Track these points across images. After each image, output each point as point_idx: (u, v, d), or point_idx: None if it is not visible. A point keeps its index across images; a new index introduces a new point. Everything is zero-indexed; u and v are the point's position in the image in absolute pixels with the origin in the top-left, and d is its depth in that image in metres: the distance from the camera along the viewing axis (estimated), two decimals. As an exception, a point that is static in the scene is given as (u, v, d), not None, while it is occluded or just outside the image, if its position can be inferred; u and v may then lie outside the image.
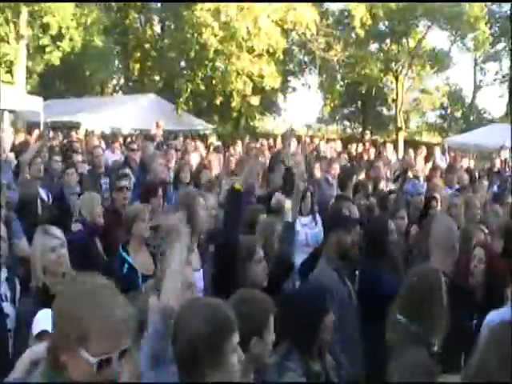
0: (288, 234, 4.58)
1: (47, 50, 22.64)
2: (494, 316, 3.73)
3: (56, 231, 3.96)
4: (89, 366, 1.72)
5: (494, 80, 31.24)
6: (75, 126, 17.74)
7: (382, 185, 8.93)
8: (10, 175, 6.36)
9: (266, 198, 6.58)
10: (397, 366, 2.74)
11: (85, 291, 1.78)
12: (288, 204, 4.83)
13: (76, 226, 5.58)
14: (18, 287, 3.84)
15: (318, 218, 6.64)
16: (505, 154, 11.87)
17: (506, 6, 29.15)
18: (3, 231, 4.16)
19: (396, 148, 19.29)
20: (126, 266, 4.69)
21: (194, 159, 10.39)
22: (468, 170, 11.39)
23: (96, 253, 5.33)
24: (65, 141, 13.87)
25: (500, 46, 30.07)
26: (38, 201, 6.32)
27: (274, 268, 4.30)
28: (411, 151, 13.79)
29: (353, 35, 24.08)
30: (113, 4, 30.82)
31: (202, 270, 4.50)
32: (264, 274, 4.05)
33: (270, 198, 6.49)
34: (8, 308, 3.70)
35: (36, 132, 13.61)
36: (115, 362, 1.76)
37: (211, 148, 14.80)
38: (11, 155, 10.05)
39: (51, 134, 15.00)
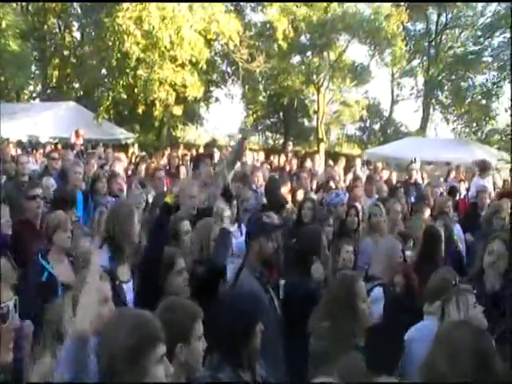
0: (224, 239, 4.56)
1: (-41, 53, 21.69)
2: (413, 332, 3.86)
3: None
4: None
5: (410, 95, 32.45)
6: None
7: (301, 195, 9.01)
8: None
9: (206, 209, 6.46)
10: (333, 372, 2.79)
11: None
12: (227, 212, 4.82)
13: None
14: None
15: (243, 226, 6.65)
16: (416, 167, 12.32)
17: (419, 25, 30.55)
18: None
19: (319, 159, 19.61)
20: (46, 273, 4.65)
21: (119, 169, 10.16)
22: (387, 181, 11.77)
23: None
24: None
25: (415, 63, 31.34)
26: None
27: (206, 272, 4.30)
28: (331, 162, 14.09)
29: (275, 47, 24.38)
30: (30, 8, 29.94)
31: (131, 282, 4.49)
32: (185, 285, 4.05)
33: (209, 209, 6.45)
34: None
35: None
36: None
37: (133, 158, 14.61)
38: None
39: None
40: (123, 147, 20.49)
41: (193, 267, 4.49)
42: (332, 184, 10.05)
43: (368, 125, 33.83)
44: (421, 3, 27.40)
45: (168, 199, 4.47)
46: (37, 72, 31.76)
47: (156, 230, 4.36)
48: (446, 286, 3.87)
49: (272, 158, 16.46)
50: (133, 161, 14.22)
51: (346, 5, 24.96)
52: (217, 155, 14.99)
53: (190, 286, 4.12)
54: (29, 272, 4.72)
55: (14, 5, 28.03)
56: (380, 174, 13.40)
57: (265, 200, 8.43)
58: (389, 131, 32.36)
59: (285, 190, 8.67)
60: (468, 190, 11.93)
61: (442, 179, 13.31)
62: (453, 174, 13.92)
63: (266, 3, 22.01)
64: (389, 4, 25.55)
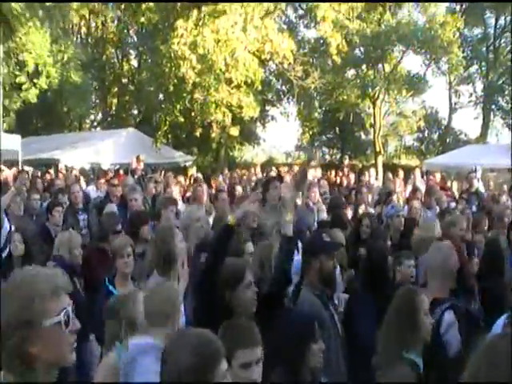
0: (287, 244, 4.50)
1: (24, 87, 22.58)
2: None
3: None
4: None
5: (469, 102, 31.69)
6: (54, 163, 17.63)
7: (363, 209, 8.92)
8: None
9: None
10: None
11: None
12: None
13: (50, 264, 5.50)
14: None
15: (299, 244, 6.60)
16: (477, 176, 12.01)
17: (476, 30, 29.90)
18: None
19: (376, 172, 19.39)
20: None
21: (176, 192, 10.33)
22: (446, 191, 11.53)
23: (75, 291, 5.27)
24: (43, 178, 13.80)
25: (473, 69, 30.64)
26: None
27: (270, 285, 4.25)
28: (390, 175, 13.89)
29: (329, 62, 24.33)
30: (89, 40, 31.01)
31: (182, 305, 4.39)
32: (253, 299, 3.94)
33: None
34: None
35: (13, 171, 13.53)
36: None
37: (192, 180, 14.80)
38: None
39: (30, 172, 14.90)
40: (182, 170, 20.83)
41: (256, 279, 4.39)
42: (394, 198, 9.90)
43: (426, 135, 33.23)
44: (477, 8, 26.94)
45: (230, 220, 4.45)
46: (97, 101, 32.81)
47: (216, 249, 4.30)
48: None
49: (329, 173, 16.39)
50: (192, 183, 14.40)
51: (400, 15, 24.73)
52: (273, 174, 15.09)
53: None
54: (97, 297, 4.89)
55: (75, 38, 29.16)
56: (445, 183, 13.17)
57: (321, 216, 8.34)
58: (448, 140, 31.67)
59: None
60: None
61: (505, 186, 12.91)
62: None
63: (318, 19, 21.94)
64: (443, 11, 25.22)
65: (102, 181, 12.72)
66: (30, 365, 1.89)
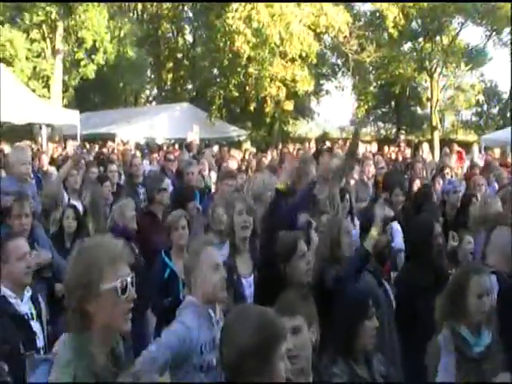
0: (357, 260, 4.37)
1: (82, 63, 23.05)
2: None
3: None
4: None
5: (532, 74, 30.54)
6: (111, 138, 18.01)
7: (417, 185, 8.77)
8: (34, 187, 6.55)
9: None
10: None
11: None
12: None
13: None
14: (42, 303, 3.78)
15: (355, 220, 6.57)
16: None
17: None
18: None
19: (432, 147, 19.02)
20: (168, 271, 4.84)
21: (232, 166, 10.38)
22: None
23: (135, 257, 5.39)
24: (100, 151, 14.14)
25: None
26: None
27: (334, 280, 4.15)
28: (447, 150, 13.60)
29: (385, 36, 23.87)
30: (145, 16, 31.29)
31: (252, 277, 4.44)
32: (307, 269, 3.97)
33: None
34: (36, 326, 3.63)
35: (71, 144, 13.89)
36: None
37: (246, 154, 14.87)
38: (52, 168, 10.29)
39: (87, 146, 15.28)
40: (236, 144, 20.94)
41: (322, 267, 4.30)
42: (448, 171, 9.72)
43: (485, 109, 32.26)
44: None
45: (279, 186, 4.47)
46: (152, 76, 33.16)
47: (268, 217, 4.39)
48: None
49: (385, 148, 16.16)
50: (246, 157, 14.47)
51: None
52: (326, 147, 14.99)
53: (317, 287, 4.06)
54: (153, 269, 4.96)
55: (131, 14, 29.48)
56: (500, 160, 12.78)
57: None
58: (508, 115, 30.67)
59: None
60: None
61: None
62: None
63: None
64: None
65: (156, 155, 12.90)
66: (87, 324, 2.07)
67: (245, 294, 4.30)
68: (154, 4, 30.44)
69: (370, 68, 25.97)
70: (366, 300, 3.37)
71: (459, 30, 24.93)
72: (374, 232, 4.27)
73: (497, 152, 14.12)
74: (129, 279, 2.10)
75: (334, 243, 4.40)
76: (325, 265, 4.30)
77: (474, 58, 25.60)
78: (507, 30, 24.15)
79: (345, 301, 3.48)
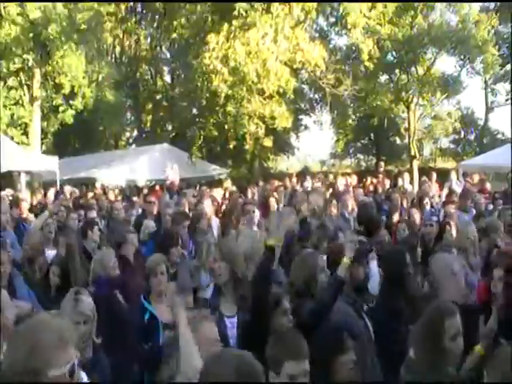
0: (336, 287, 4.42)
1: (61, 109, 23.03)
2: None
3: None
4: None
5: (506, 100, 31.05)
6: (91, 182, 17.89)
7: (396, 217, 8.80)
8: (13, 235, 6.54)
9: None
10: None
11: None
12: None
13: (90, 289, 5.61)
14: None
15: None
16: None
17: None
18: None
19: (411, 177, 19.14)
20: (148, 314, 4.88)
21: (208, 207, 10.24)
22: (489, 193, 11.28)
23: (119, 306, 5.33)
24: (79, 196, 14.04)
25: (509, 67, 30.02)
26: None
27: (311, 314, 4.19)
28: (426, 179, 13.67)
29: (362, 69, 24.19)
30: (123, 58, 31.51)
31: (235, 318, 4.58)
32: (288, 325, 4.07)
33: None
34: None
35: (52, 191, 13.78)
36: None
37: (227, 193, 14.81)
38: (31, 216, 10.17)
39: (69, 191, 15.14)
40: (217, 183, 20.90)
41: (297, 304, 4.37)
42: (427, 201, 9.80)
43: (462, 136, 32.68)
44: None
45: (269, 242, 4.43)
46: (132, 118, 33.25)
47: (262, 273, 4.34)
48: None
49: (365, 180, 16.23)
50: (227, 196, 14.39)
51: (432, 17, 24.45)
52: (309, 183, 15.01)
53: (294, 324, 4.10)
54: (132, 314, 4.97)
55: (109, 57, 29.68)
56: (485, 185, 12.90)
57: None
58: (485, 140, 31.07)
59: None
60: None
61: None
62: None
63: (349, 26, 21.84)
64: (477, 10, 24.82)
65: (135, 198, 12.88)
66: None
67: (227, 333, 4.41)
68: (132, 46, 30.71)
69: (348, 101, 26.26)
70: (341, 335, 3.39)
71: (434, 60, 25.35)
72: (345, 260, 4.36)
73: (476, 178, 14.23)
74: (76, 362, 2.01)
75: (311, 279, 4.43)
76: (300, 301, 4.36)
77: (449, 86, 25.98)
78: (479, 58, 24.61)
79: (319, 336, 3.51)
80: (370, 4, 22.13)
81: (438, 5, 24.53)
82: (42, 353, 1.92)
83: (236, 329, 4.52)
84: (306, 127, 30.38)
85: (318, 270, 4.58)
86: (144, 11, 30.14)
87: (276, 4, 19.66)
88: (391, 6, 23.08)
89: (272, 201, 9.80)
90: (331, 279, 4.36)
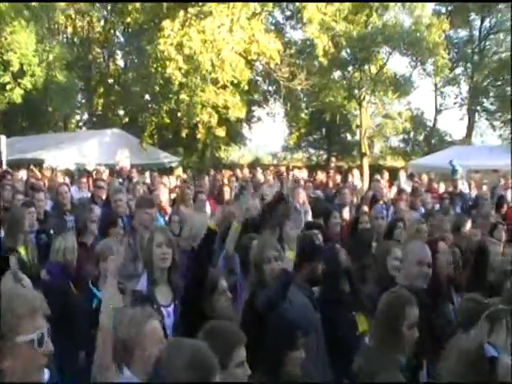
0: (283, 281, 4.42)
1: (8, 87, 22.38)
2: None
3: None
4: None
5: (454, 103, 31.88)
6: (39, 164, 17.49)
7: (346, 211, 8.94)
8: None
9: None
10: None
11: None
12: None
13: (43, 272, 5.64)
14: None
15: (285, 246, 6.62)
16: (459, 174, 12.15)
17: (462, 32, 30.10)
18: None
19: (361, 173, 19.46)
20: (96, 301, 4.82)
21: (164, 194, 10.22)
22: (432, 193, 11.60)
23: (70, 295, 5.42)
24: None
25: (458, 71, 30.84)
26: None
27: (262, 307, 4.17)
28: (378, 177, 13.93)
29: (316, 64, 24.38)
30: (75, 39, 30.81)
31: (172, 306, 4.48)
32: (228, 305, 4.14)
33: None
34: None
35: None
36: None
37: (178, 181, 14.75)
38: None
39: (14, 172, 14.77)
40: (168, 171, 20.75)
41: (252, 292, 4.35)
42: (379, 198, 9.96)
43: (412, 136, 33.36)
44: (463, 10, 27.18)
45: (211, 225, 4.51)
46: (83, 101, 32.59)
47: (199, 254, 4.39)
48: (480, 309, 3.81)
49: (315, 174, 16.41)
50: (177, 184, 14.34)
51: (386, 17, 24.84)
52: (259, 174, 15.07)
53: (249, 311, 4.11)
54: (82, 300, 4.99)
55: (60, 37, 28.98)
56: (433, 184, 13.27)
57: (308, 217, 8.35)
58: (433, 141, 31.84)
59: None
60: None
61: (485, 187, 13.00)
62: (499, 182, 13.55)
63: (305, 21, 21.99)
64: (429, 13, 25.37)
65: (84, 180, 12.64)
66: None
67: (164, 323, 4.25)
68: (85, 28, 30.07)
69: (302, 95, 26.44)
70: (294, 332, 3.43)
71: (387, 60, 25.79)
72: (289, 254, 4.35)
73: (425, 178, 14.58)
74: (45, 332, 2.05)
75: (259, 268, 4.44)
76: (255, 289, 4.33)
77: (401, 86, 26.48)
78: (430, 61, 25.17)
79: (273, 331, 3.53)
80: (325, 0, 22.35)
81: (393, 5, 24.98)
82: (10, 319, 1.98)
83: (173, 317, 4.44)
84: (259, 119, 30.47)
85: (265, 259, 4.54)
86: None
87: (233, -6, 19.64)
88: (347, 4, 23.35)
89: (226, 190, 9.80)
90: (280, 272, 4.35)
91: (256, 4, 20.41)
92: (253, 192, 9.75)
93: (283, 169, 17.78)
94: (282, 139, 34.06)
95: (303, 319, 4.06)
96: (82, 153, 20.16)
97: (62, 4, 25.56)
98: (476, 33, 29.93)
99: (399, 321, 3.40)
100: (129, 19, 24.74)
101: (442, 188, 13.22)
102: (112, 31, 30.19)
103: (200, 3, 19.32)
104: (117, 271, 4.41)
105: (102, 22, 30.57)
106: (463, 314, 4.20)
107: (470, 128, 30.24)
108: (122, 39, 30.48)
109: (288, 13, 27.24)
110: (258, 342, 3.26)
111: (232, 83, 20.41)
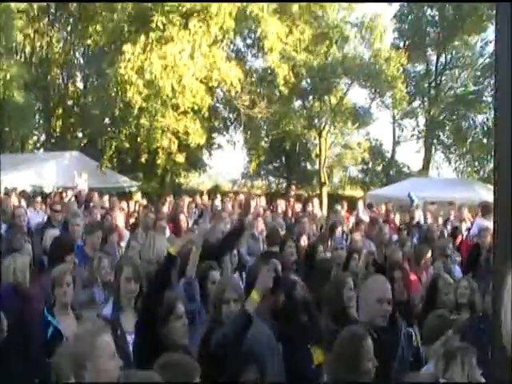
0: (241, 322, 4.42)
1: (-37, 106, 21.91)
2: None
3: None
4: None
5: (412, 136, 32.44)
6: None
7: (304, 240, 8.96)
8: None
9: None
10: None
11: None
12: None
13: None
14: None
15: (243, 275, 6.62)
16: (416, 206, 12.36)
17: (419, 67, 30.87)
18: None
19: (320, 202, 19.60)
20: (51, 329, 4.65)
21: (120, 218, 10.12)
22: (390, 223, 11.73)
23: (23, 320, 5.08)
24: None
25: (416, 104, 31.52)
26: None
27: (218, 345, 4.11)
28: (339, 207, 14.04)
29: (276, 92, 24.61)
30: (34, 59, 30.41)
31: None
32: (184, 330, 4.04)
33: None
34: None
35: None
36: None
37: (136, 206, 14.60)
38: None
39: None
40: (127, 195, 20.50)
41: (209, 329, 4.29)
42: (339, 229, 10.04)
43: (370, 166, 33.81)
44: (420, 45, 27.96)
45: (171, 250, 4.46)
46: (41, 122, 32.07)
47: (158, 279, 4.34)
48: (444, 323, 4.02)
49: (274, 202, 16.40)
50: (136, 209, 14.21)
51: (346, 49, 25.31)
52: (219, 201, 15.02)
53: (203, 350, 4.03)
54: (35, 326, 4.78)
55: (18, 57, 28.56)
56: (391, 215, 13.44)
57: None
58: (391, 172, 32.31)
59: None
60: (469, 230, 11.81)
61: (440, 219, 13.23)
62: (453, 214, 13.79)
63: (266, 50, 22.22)
64: (388, 47, 25.98)
65: (38, 199, 12.44)
66: None
67: (129, 350, 4.27)
68: (44, 47, 29.71)
69: (262, 123, 26.60)
70: (249, 366, 3.41)
71: (346, 91, 26.19)
72: (254, 295, 4.18)
73: (383, 208, 14.75)
74: None
75: (217, 308, 4.38)
76: (213, 326, 4.25)
77: (360, 117, 26.91)
78: (389, 93, 25.70)
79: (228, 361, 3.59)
80: (287, 30, 22.66)
81: (352, 37, 25.51)
82: None
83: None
84: (220, 146, 30.46)
85: (224, 300, 4.47)
86: (58, 13, 29.28)
87: (194, 20, 19.71)
88: (308, 34, 23.73)
89: (182, 217, 9.71)
90: (240, 313, 4.20)
91: (217, 31, 20.53)
92: (214, 219, 9.68)
93: (242, 197, 17.75)
94: (242, 166, 34.12)
95: (262, 352, 4.03)
96: (40, 175, 19.79)
97: (20, 22, 25.28)
98: (433, 68, 30.74)
99: (359, 356, 3.42)
100: (89, 41, 24.56)
101: (397, 219, 13.39)
102: (72, 52, 29.91)
103: (162, 27, 19.32)
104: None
105: (62, 43, 30.26)
106: (429, 329, 4.36)
107: (427, 160, 30.83)
108: (81, 61, 30.23)
109: (249, 41, 27.50)
110: (212, 377, 3.20)
111: (192, 109, 20.41)
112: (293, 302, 4.72)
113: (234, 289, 4.51)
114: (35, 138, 33.57)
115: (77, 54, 29.88)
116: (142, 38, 19.56)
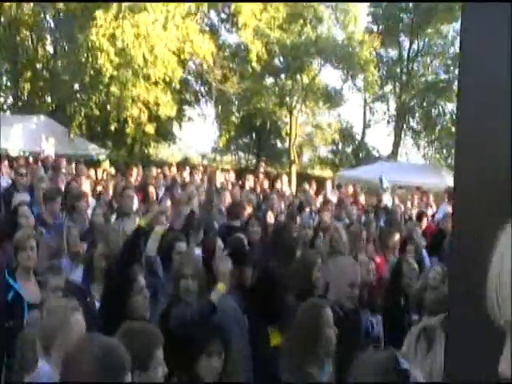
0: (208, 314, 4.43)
1: None
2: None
3: None
4: None
5: (382, 119, 32.69)
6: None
7: (271, 217, 9.00)
8: None
9: None
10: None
11: None
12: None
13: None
14: None
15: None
16: (385, 189, 12.51)
17: (392, 52, 31.02)
18: None
19: (289, 180, 19.71)
20: (12, 293, 4.60)
21: (86, 186, 10.04)
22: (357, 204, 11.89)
23: None
24: None
25: (387, 89, 31.72)
26: None
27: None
28: (307, 187, 14.13)
29: (249, 69, 24.53)
30: (2, 19, 29.62)
31: None
32: (145, 303, 4.07)
33: None
34: None
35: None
36: None
37: (104, 174, 14.48)
38: None
39: None
40: (95, 163, 20.30)
41: (169, 304, 4.39)
42: (307, 208, 10.14)
43: (340, 148, 34.00)
44: (393, 30, 28.05)
45: (142, 222, 4.48)
46: (8, 84, 31.36)
47: (126, 251, 4.38)
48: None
49: (243, 178, 16.42)
50: (104, 177, 14.07)
51: (320, 30, 25.30)
52: (187, 173, 14.99)
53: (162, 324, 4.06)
54: None
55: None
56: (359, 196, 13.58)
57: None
58: (361, 155, 32.55)
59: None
60: (433, 215, 12.03)
61: (409, 203, 13.43)
62: (419, 199, 14.03)
63: (240, 26, 22.09)
64: (362, 31, 26.05)
65: (2, 166, 12.25)
66: None
67: (98, 317, 4.26)
68: (13, 7, 28.94)
69: (233, 98, 26.50)
70: (205, 337, 3.49)
71: (319, 71, 26.21)
72: (220, 287, 4.30)
73: (350, 189, 14.90)
74: None
75: (176, 282, 4.45)
76: (172, 301, 4.37)
77: (332, 98, 26.99)
78: (361, 76, 25.82)
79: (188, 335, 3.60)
80: (261, 7, 22.52)
81: (327, 18, 25.49)
82: None
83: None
84: (190, 118, 30.25)
85: (182, 275, 4.53)
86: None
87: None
88: (282, 12, 23.64)
89: (151, 189, 9.68)
90: (203, 303, 4.26)
91: (191, 4, 20.32)
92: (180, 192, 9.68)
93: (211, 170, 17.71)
94: (212, 141, 33.99)
95: (228, 325, 4.08)
96: (6, 138, 19.40)
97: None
98: (405, 54, 30.92)
99: (319, 323, 3.49)
100: (61, 5, 24.00)
101: (362, 200, 13.56)
102: (42, 15, 29.19)
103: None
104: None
105: (32, 4, 29.50)
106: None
107: (397, 145, 31.14)
108: (52, 24, 29.53)
109: (223, 15, 27.25)
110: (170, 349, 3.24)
111: (164, 80, 20.24)
112: (267, 282, 4.76)
113: (192, 264, 4.58)
114: (1, 99, 32.86)
115: (47, 16, 29.10)
116: (115, 5, 19.23)
